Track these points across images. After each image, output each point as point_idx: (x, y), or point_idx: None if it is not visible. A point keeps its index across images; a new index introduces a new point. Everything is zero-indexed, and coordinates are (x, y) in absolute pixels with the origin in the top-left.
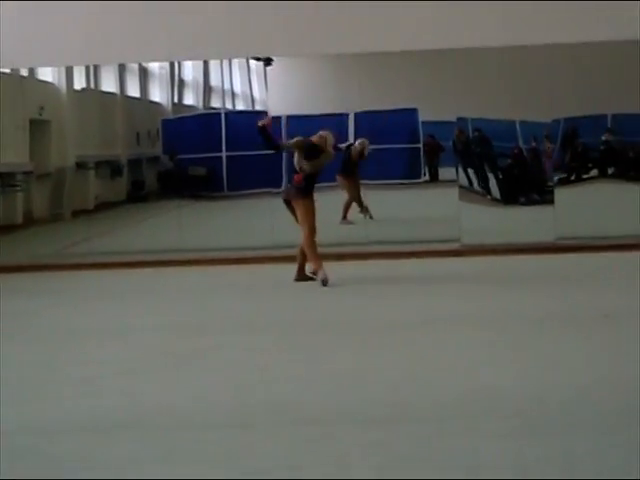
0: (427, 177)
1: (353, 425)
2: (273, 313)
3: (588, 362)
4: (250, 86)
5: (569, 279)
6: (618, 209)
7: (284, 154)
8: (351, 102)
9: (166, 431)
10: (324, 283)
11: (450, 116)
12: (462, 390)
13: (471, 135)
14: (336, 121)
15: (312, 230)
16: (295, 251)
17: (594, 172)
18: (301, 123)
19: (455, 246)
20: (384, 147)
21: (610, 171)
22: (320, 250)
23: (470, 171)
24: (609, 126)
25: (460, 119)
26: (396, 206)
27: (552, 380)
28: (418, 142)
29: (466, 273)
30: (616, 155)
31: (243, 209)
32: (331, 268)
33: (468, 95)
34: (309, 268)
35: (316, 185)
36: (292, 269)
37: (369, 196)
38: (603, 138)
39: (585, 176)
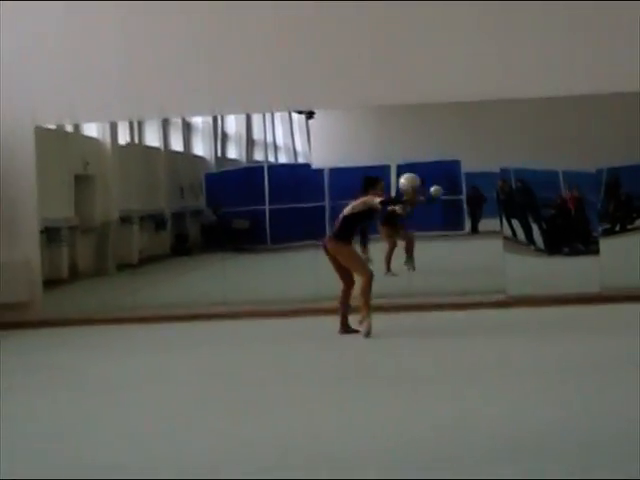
0: (469, 228)
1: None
2: (320, 364)
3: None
4: (292, 139)
5: (614, 329)
6: None
7: (327, 206)
8: (393, 154)
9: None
10: (367, 334)
11: (493, 167)
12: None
13: (514, 185)
14: (378, 173)
15: (370, 275)
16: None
17: (639, 222)
18: (344, 175)
19: (500, 297)
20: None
21: None
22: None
23: (514, 221)
24: None
25: (503, 170)
26: (439, 258)
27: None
28: (461, 193)
29: (510, 324)
30: None
31: (286, 261)
32: (375, 319)
33: (510, 145)
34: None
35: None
36: (334, 320)
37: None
38: None
39: (630, 226)
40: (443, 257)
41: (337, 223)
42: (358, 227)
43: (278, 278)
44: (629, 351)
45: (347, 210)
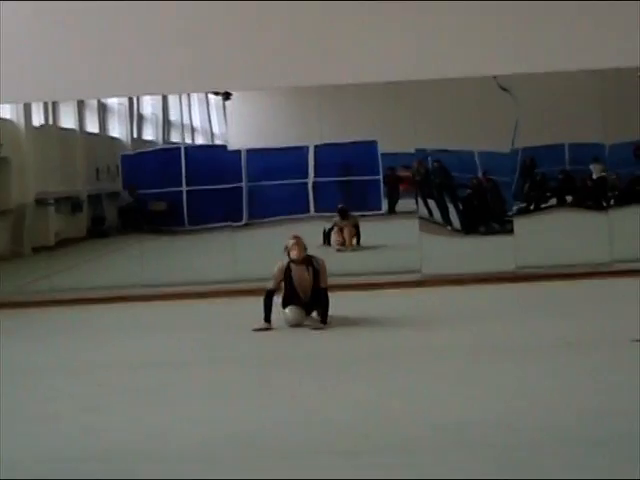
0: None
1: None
2: (236, 347)
3: (553, 390)
4: (209, 120)
5: (529, 308)
6: (576, 238)
7: (244, 188)
8: (311, 135)
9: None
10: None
11: (409, 148)
12: (430, 423)
13: (431, 166)
14: (296, 154)
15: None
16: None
17: (553, 201)
18: (261, 157)
19: (416, 276)
20: (343, 179)
21: (568, 200)
22: None
23: (430, 202)
24: (567, 155)
25: (419, 150)
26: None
27: (518, 408)
28: (378, 174)
29: (426, 304)
30: (574, 184)
31: (204, 243)
32: None
33: (427, 127)
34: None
35: None
36: (254, 302)
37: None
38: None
39: (544, 205)
40: (361, 237)
41: None
42: None
43: (196, 260)
44: (545, 332)
45: None
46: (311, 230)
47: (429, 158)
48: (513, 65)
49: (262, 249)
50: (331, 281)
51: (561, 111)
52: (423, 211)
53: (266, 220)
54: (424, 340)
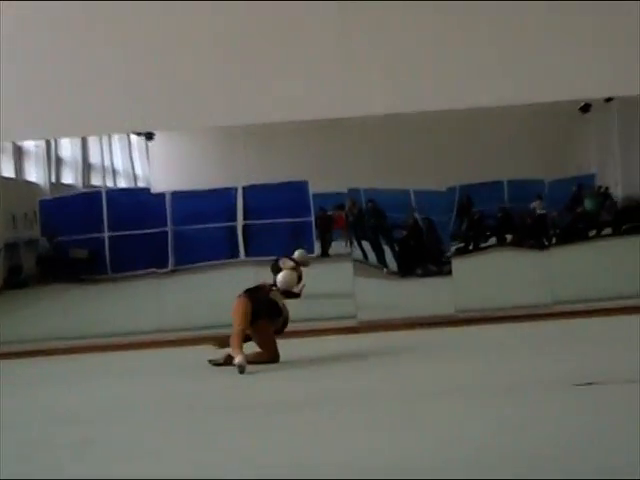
0: (319, 252)
1: None
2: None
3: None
4: (132, 162)
5: (467, 351)
6: (516, 278)
7: (170, 232)
8: (239, 176)
9: None
10: (241, 370)
11: (341, 187)
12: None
13: (364, 206)
14: (223, 196)
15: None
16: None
17: (492, 240)
18: (186, 199)
19: (351, 323)
20: (274, 222)
21: (508, 239)
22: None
23: (364, 243)
24: (506, 193)
25: (351, 190)
26: None
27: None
28: (309, 216)
29: (361, 350)
30: (514, 222)
31: (128, 291)
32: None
33: (360, 165)
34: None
35: None
36: (180, 352)
37: (260, 273)
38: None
39: (483, 245)
40: None
41: None
42: None
43: (120, 309)
44: (485, 374)
45: None
46: (241, 275)
47: (362, 197)
48: (444, 101)
49: (189, 296)
50: None
51: (498, 147)
52: (357, 253)
53: (194, 266)
54: (349, 387)
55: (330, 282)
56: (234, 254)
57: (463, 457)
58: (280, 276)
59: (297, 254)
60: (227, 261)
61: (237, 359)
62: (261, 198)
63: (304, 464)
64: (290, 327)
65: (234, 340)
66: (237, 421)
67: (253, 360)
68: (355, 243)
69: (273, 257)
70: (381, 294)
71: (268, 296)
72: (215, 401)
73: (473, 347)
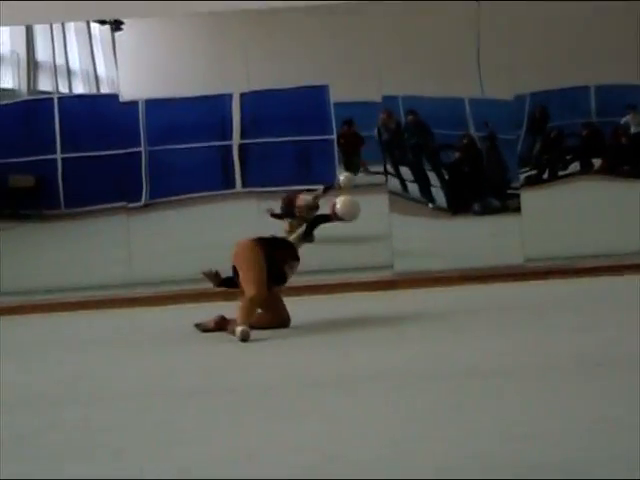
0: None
1: None
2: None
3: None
4: (93, 60)
5: (538, 316)
6: (607, 216)
7: (143, 154)
8: (234, 79)
9: None
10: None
11: (374, 95)
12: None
13: (403, 120)
14: (214, 106)
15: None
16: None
17: (574, 166)
18: (165, 110)
19: (386, 275)
20: (282, 140)
21: (596, 165)
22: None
23: (403, 170)
24: (592, 103)
25: (387, 98)
26: None
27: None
28: (330, 132)
29: (397, 313)
30: (603, 142)
31: (88, 232)
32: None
33: (397, 64)
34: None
35: None
36: (154, 314)
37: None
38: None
39: (562, 173)
40: None
41: None
42: None
43: (77, 255)
44: (564, 349)
45: None
46: (239, 212)
47: (401, 108)
48: None
49: (168, 240)
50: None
51: (583, 42)
52: (394, 184)
53: (175, 198)
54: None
55: (358, 221)
56: (228, 183)
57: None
58: (340, 203)
59: (343, 178)
60: (219, 192)
61: (239, 327)
62: (264, 108)
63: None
64: (304, 280)
65: (246, 308)
66: (235, 407)
67: (257, 324)
68: (391, 169)
69: (281, 188)
70: (425, 237)
71: (283, 238)
72: (206, 382)
73: (543, 309)
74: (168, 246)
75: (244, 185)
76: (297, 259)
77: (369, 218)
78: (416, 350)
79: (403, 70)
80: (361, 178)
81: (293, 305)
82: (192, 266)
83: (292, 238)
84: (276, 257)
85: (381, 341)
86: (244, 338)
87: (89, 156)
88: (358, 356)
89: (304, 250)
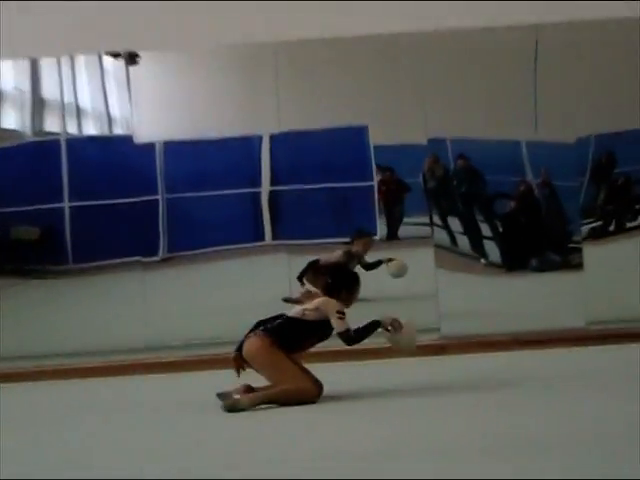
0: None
1: None
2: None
3: None
4: (105, 97)
5: (602, 384)
6: None
7: (161, 202)
8: (264, 119)
9: None
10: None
11: (419, 137)
12: None
13: (452, 166)
14: (241, 148)
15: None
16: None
17: None
18: (186, 153)
19: (433, 339)
20: (316, 187)
21: None
22: None
23: (452, 221)
24: None
25: (434, 141)
26: None
27: None
28: (370, 179)
29: (445, 381)
30: None
31: (99, 289)
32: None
33: (444, 105)
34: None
35: None
36: (174, 379)
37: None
38: None
39: (630, 225)
40: None
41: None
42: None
43: (87, 316)
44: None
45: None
46: (268, 267)
47: (449, 152)
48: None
49: (188, 298)
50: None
51: None
52: (442, 236)
53: (195, 252)
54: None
55: (402, 280)
56: (257, 235)
57: None
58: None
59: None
60: (245, 245)
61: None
62: (297, 151)
63: None
64: (335, 345)
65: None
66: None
67: (284, 398)
68: (438, 220)
69: (315, 241)
70: (476, 297)
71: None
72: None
73: (611, 377)
74: (187, 305)
75: (274, 237)
76: (326, 337)
77: (413, 275)
78: (467, 421)
79: (451, 110)
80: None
81: (332, 371)
82: (214, 328)
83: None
84: (303, 347)
85: (430, 411)
86: (230, 409)
87: (100, 205)
88: (406, 426)
89: (350, 312)
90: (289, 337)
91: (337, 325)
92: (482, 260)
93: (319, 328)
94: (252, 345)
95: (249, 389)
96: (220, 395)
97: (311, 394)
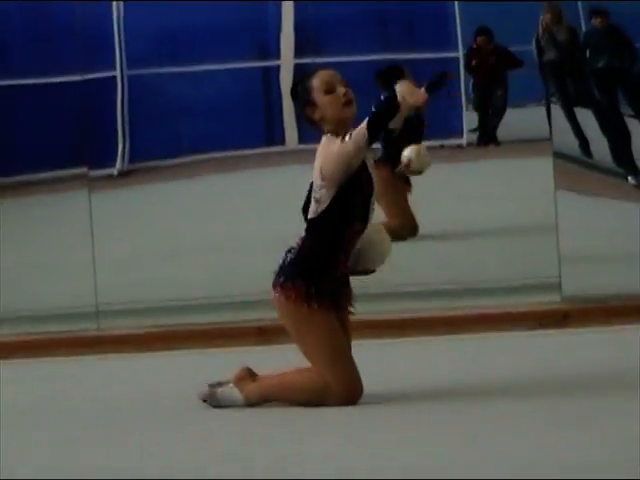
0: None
1: None
2: None
3: None
4: None
5: None
6: None
7: (120, 81)
8: None
9: None
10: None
11: None
12: None
13: (583, 28)
14: (250, 10)
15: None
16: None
17: None
18: (161, 11)
19: (552, 302)
20: (365, 60)
21: None
22: None
23: (582, 115)
24: None
25: None
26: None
27: None
28: (454, 47)
29: (566, 364)
30: None
31: (26, 219)
32: None
33: None
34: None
35: None
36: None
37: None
38: None
39: None
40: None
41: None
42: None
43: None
44: None
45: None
46: (287, 184)
47: (579, 6)
48: None
49: (158, 231)
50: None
51: None
52: (566, 140)
53: (169, 162)
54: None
55: (497, 206)
56: (270, 137)
57: None
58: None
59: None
60: (249, 152)
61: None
62: (329, 13)
63: None
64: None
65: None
66: None
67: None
68: (559, 113)
69: None
70: (619, 236)
71: None
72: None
73: None
74: (157, 245)
75: (301, 140)
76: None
77: (520, 199)
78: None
79: None
80: None
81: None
82: (197, 282)
83: None
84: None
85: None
86: (205, 398)
87: (29, 85)
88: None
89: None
90: (318, 256)
91: (351, 141)
92: (629, 178)
93: (345, 199)
94: (277, 307)
95: (248, 372)
96: (213, 387)
97: (345, 393)
